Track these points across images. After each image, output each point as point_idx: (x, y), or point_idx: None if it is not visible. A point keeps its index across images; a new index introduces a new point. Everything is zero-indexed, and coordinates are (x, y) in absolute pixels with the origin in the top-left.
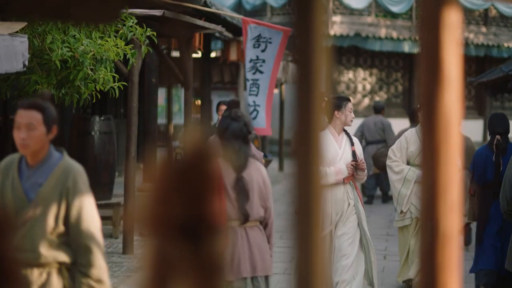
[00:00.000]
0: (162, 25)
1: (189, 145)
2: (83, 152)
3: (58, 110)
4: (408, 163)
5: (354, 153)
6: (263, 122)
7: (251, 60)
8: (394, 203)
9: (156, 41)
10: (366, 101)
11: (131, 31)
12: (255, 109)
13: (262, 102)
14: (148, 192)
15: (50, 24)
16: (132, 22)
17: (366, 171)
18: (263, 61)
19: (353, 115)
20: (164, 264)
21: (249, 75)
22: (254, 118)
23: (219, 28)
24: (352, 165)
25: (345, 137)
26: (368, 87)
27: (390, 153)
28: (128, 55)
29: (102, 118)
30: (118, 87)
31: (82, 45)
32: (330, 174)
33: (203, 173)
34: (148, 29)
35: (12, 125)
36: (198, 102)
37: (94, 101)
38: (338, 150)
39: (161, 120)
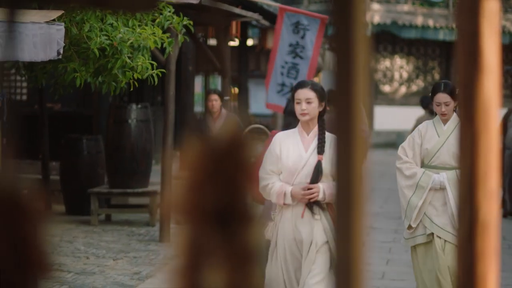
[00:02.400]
0: (199, 13)
1: (225, 133)
2: (120, 140)
3: (95, 98)
4: (422, 165)
5: (318, 165)
6: None
7: (291, 45)
8: (402, 215)
9: (193, 29)
10: (403, 89)
11: (167, 20)
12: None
13: None
14: (184, 180)
15: (89, 13)
16: (169, 11)
17: (321, 196)
18: (303, 47)
19: (303, 106)
20: (199, 251)
21: (288, 58)
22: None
23: (256, 16)
24: (304, 189)
25: (316, 138)
26: (405, 75)
27: (400, 151)
28: (165, 43)
29: (139, 106)
30: (156, 74)
31: (120, 33)
32: (272, 193)
33: (238, 161)
34: (185, 17)
35: (48, 113)
36: (235, 90)
37: (131, 89)
38: (303, 154)
39: (198, 108)
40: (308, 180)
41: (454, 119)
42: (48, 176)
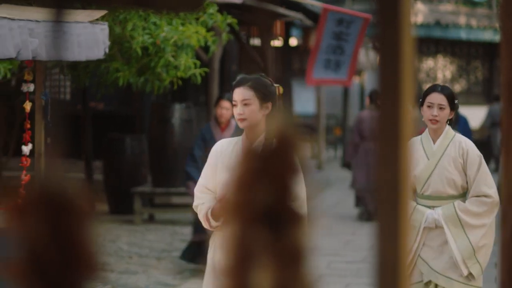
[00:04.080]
0: (242, 12)
1: (272, 132)
2: (164, 139)
3: (138, 97)
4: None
5: None
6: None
7: (332, 44)
8: None
9: (236, 28)
10: None
11: (211, 19)
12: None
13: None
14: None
15: (132, 12)
16: (213, 10)
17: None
18: (345, 43)
19: (238, 109)
20: (246, 251)
21: (330, 54)
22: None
23: (299, 15)
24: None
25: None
26: (448, 75)
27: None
28: (209, 42)
29: (183, 105)
30: (200, 74)
31: (163, 31)
32: (200, 217)
33: (286, 160)
34: (228, 16)
35: (91, 112)
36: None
37: (175, 88)
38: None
39: None
40: None
41: (446, 134)
42: (91, 175)
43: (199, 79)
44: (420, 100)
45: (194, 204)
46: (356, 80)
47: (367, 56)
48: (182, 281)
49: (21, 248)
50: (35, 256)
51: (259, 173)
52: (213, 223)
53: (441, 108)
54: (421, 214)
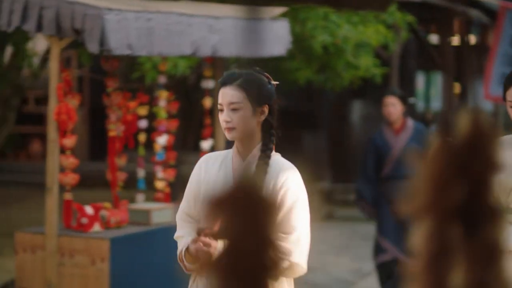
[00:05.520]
0: (421, 10)
1: (464, 129)
2: (343, 136)
3: (317, 94)
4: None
5: None
6: None
7: (510, 45)
8: None
9: (415, 26)
10: None
11: (391, 17)
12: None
13: None
14: (420, 176)
15: (312, 11)
16: (393, 8)
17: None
18: None
19: (224, 115)
20: (442, 251)
21: (505, 67)
22: None
23: (476, 12)
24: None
25: (253, 167)
26: None
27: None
28: (389, 40)
29: (362, 102)
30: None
31: (343, 31)
32: (178, 245)
33: (485, 157)
34: (407, 14)
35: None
36: (457, 87)
37: (354, 87)
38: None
39: (420, 105)
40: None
41: None
42: None
43: (379, 79)
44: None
45: (175, 235)
46: None
47: None
48: (360, 278)
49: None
50: (232, 251)
51: (457, 169)
52: (188, 265)
53: None
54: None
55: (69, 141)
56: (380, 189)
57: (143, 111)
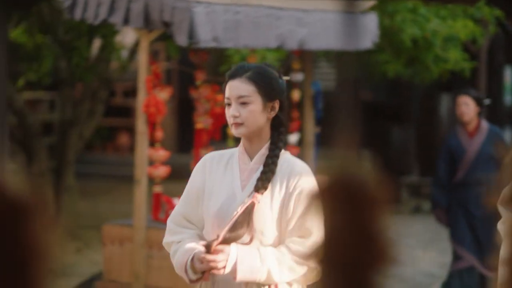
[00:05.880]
0: (509, 4)
1: None
2: (431, 129)
3: (404, 87)
4: None
5: (248, 210)
6: None
7: None
8: None
9: (504, 20)
10: None
11: (479, 11)
12: None
13: None
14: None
15: (400, 4)
16: (481, 2)
17: (228, 269)
18: None
19: (232, 110)
20: None
21: None
22: None
23: None
24: (203, 255)
25: (260, 167)
26: None
27: (501, 203)
28: (477, 35)
29: (450, 95)
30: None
31: (432, 24)
32: (175, 261)
33: None
34: (496, 8)
35: (360, 103)
36: None
37: (443, 80)
38: (237, 194)
39: (507, 100)
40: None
41: None
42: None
43: (468, 73)
44: None
45: (166, 240)
46: None
47: None
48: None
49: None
50: (332, 244)
51: None
52: (192, 275)
53: None
54: None
55: (158, 133)
56: (454, 195)
57: None
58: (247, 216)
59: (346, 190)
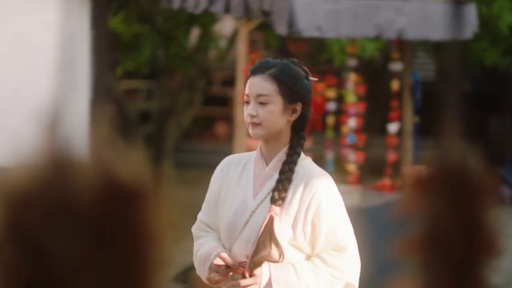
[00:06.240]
0: None
1: None
2: None
3: (502, 77)
4: None
5: (268, 227)
6: None
7: None
8: None
9: None
10: None
11: None
12: None
13: None
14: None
15: None
16: None
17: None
18: None
19: (250, 109)
20: None
21: None
22: None
23: None
24: (217, 266)
25: (276, 174)
26: None
27: None
28: None
29: None
30: None
31: None
32: (198, 260)
33: None
34: None
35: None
36: None
37: None
38: (248, 201)
39: None
40: (248, 251)
41: None
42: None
43: None
44: None
45: (194, 249)
46: None
47: None
48: None
49: (422, 226)
50: (436, 234)
51: None
52: (204, 274)
53: None
54: None
55: None
56: None
57: (331, 93)
58: (268, 233)
59: (453, 180)
